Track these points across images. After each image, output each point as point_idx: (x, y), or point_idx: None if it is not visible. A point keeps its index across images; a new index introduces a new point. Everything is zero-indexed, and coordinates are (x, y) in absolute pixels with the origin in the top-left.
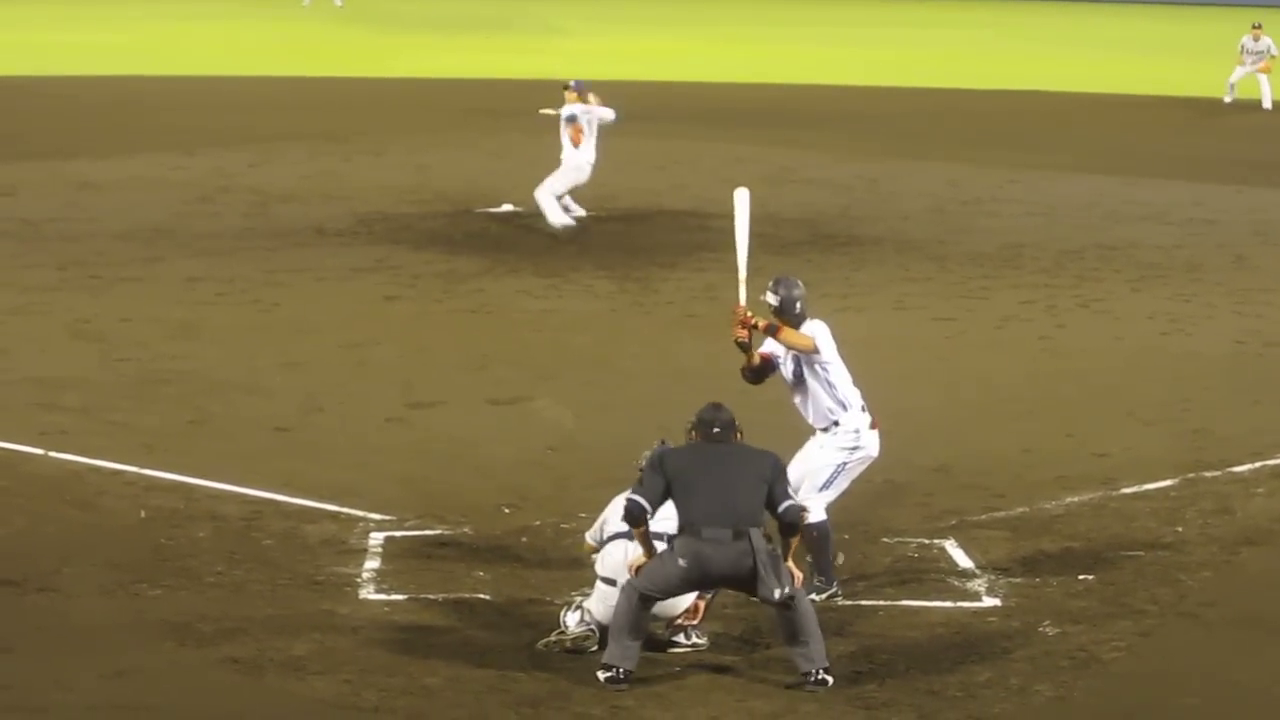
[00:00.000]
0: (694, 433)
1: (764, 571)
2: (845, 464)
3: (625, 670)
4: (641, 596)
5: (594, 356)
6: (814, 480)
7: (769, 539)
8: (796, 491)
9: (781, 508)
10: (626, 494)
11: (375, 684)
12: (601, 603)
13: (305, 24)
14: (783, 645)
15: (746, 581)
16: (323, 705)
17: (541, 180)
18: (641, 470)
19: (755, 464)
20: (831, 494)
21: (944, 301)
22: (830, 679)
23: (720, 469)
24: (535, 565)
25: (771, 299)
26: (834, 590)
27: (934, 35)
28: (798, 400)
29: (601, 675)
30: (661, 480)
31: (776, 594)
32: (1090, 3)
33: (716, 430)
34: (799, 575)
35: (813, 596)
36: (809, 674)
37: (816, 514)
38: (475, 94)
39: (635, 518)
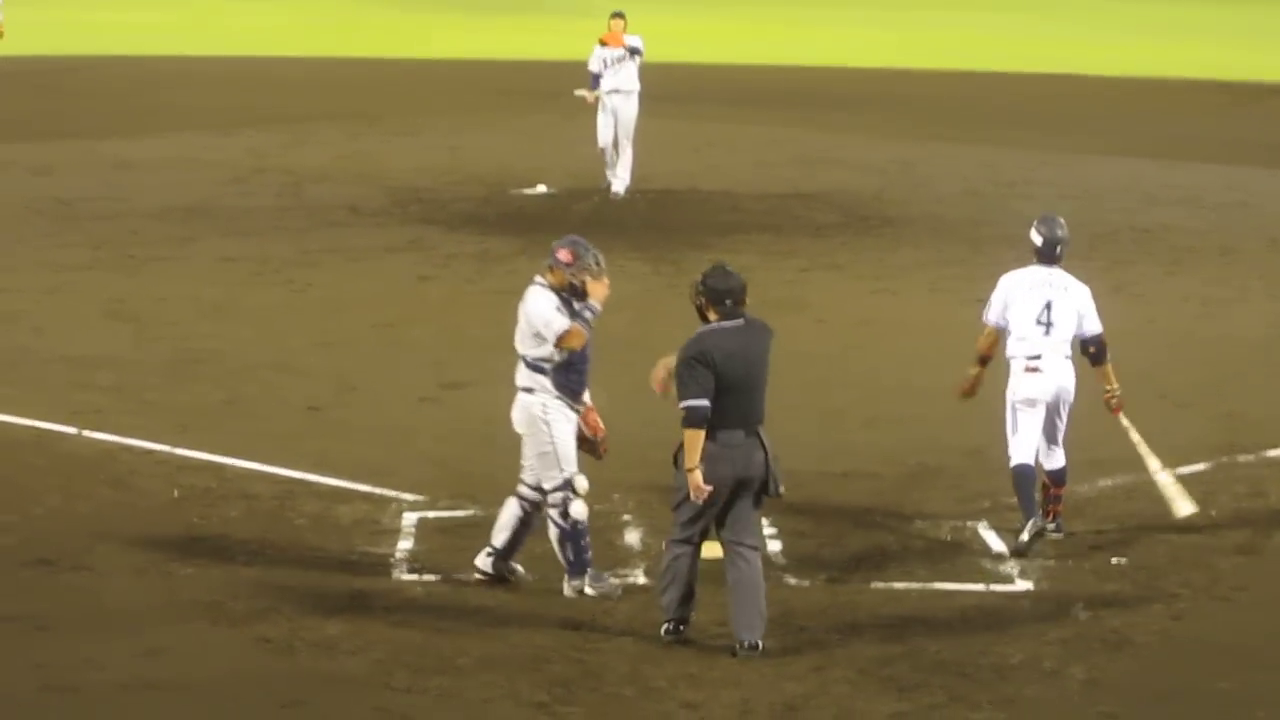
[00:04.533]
0: (703, 299)
1: (774, 467)
2: (1013, 405)
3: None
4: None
5: (628, 338)
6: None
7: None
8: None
9: None
10: (686, 401)
11: (407, 664)
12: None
13: (340, 4)
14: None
15: (758, 483)
16: (355, 685)
17: (630, 134)
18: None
19: (766, 347)
20: (1016, 436)
21: (978, 284)
22: (753, 651)
23: (744, 361)
24: None
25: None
26: (1039, 526)
27: (969, 18)
28: None
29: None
30: (711, 375)
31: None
32: None
33: (731, 303)
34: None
35: (1023, 537)
36: (739, 642)
37: (1013, 458)
38: (509, 75)
39: (701, 421)
